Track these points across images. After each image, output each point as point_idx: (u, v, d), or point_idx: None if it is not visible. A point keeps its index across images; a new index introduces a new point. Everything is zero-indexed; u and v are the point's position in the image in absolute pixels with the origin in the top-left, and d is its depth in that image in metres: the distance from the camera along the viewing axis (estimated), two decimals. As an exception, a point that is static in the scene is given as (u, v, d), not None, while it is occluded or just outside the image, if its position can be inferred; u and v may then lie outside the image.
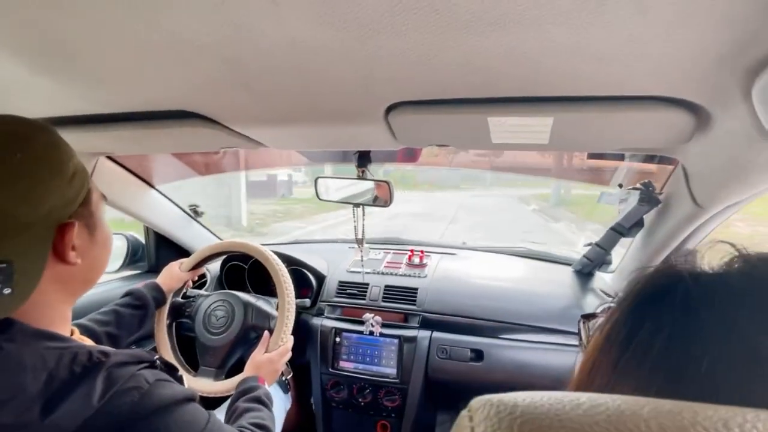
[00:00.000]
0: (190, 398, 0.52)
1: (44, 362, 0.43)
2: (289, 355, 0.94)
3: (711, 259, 0.27)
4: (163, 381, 0.50)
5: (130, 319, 0.88)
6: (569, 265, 1.33)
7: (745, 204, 0.73)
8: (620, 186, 0.95)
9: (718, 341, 0.23)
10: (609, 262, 1.23)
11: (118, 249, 1.29)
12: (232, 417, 0.70)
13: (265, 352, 0.90)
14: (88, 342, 0.57)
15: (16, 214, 0.44)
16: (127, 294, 0.92)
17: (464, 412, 0.16)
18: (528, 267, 1.38)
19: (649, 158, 0.89)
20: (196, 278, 1.16)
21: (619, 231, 1.01)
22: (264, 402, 0.75)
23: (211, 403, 1.03)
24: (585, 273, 1.26)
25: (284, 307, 0.96)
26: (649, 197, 0.86)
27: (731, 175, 0.60)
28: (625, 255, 1.16)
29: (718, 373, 0.22)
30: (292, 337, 0.96)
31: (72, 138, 0.53)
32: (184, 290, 1.12)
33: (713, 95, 0.47)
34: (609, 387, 0.26)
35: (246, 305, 1.05)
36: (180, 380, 0.56)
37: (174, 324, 1.08)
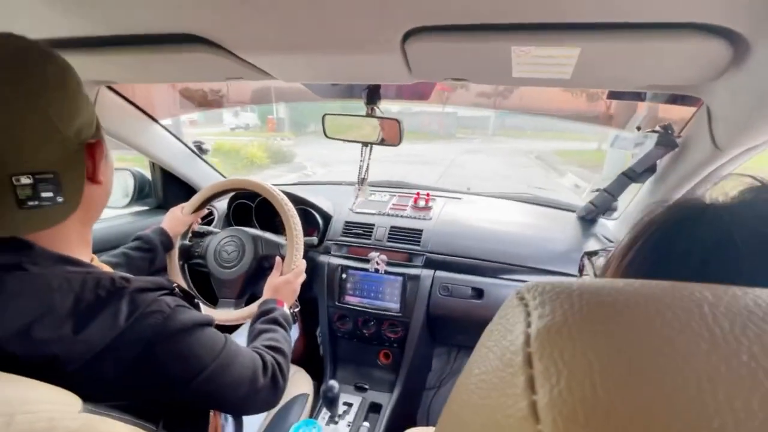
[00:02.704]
0: (208, 322, 0.55)
1: (69, 285, 0.45)
2: (304, 276, 0.97)
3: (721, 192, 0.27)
4: (182, 306, 0.52)
5: (140, 262, 0.91)
6: (574, 211, 1.34)
7: (763, 148, 0.72)
8: (638, 129, 0.93)
9: (753, 257, 0.23)
10: (614, 209, 1.23)
11: (126, 184, 1.29)
12: (249, 337, 0.75)
13: (280, 275, 0.93)
14: (107, 269, 0.59)
15: (55, 125, 0.44)
16: (136, 239, 0.95)
17: (513, 295, 0.16)
18: (531, 212, 1.39)
19: (672, 100, 0.86)
20: (202, 218, 1.17)
21: (630, 176, 1.00)
22: (280, 322, 0.78)
23: (228, 330, 1.10)
24: (588, 219, 1.28)
25: (292, 233, 0.97)
26: (667, 140, 0.84)
27: (760, 115, 0.58)
28: (631, 201, 1.16)
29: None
30: (303, 261, 0.98)
31: (73, 64, 0.50)
32: (190, 232, 1.12)
33: (756, 23, 0.44)
34: None
35: (255, 238, 1.08)
36: (197, 307, 0.59)
37: (186, 266, 1.10)
